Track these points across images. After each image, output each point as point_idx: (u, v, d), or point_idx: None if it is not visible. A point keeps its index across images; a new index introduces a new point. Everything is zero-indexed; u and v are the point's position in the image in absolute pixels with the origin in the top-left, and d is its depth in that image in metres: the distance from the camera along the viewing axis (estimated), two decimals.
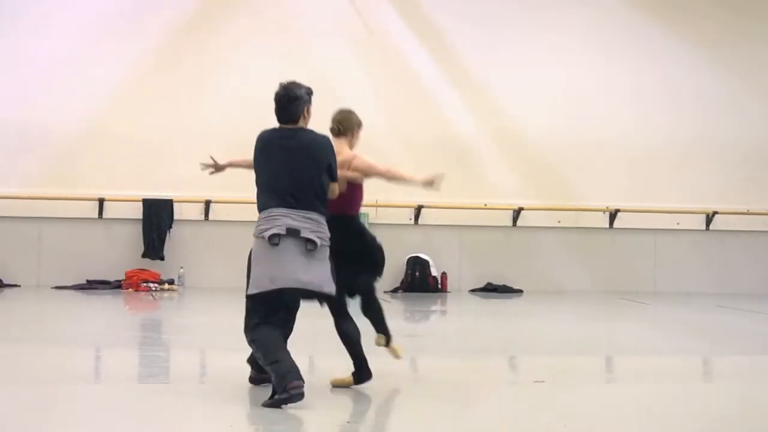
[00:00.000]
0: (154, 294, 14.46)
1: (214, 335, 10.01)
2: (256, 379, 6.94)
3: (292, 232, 6.51)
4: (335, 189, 6.93)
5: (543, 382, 7.48)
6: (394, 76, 16.41)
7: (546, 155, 16.64)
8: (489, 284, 16.26)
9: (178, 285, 15.29)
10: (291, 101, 7.28)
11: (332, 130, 7.62)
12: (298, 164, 6.83)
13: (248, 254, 6.80)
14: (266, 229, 6.51)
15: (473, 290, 16.24)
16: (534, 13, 16.82)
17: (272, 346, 6.45)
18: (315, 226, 6.61)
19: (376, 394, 6.86)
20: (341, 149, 7.39)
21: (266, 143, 6.98)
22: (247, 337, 6.60)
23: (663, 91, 17.05)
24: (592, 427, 6.02)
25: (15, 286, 15.01)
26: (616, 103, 16.90)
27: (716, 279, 16.96)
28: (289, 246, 6.50)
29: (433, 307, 14.32)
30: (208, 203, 15.44)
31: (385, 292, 15.90)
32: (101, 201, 15.41)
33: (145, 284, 14.86)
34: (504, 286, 16.22)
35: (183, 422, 5.91)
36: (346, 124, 7.75)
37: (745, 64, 17.27)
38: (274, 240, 6.47)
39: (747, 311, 13.81)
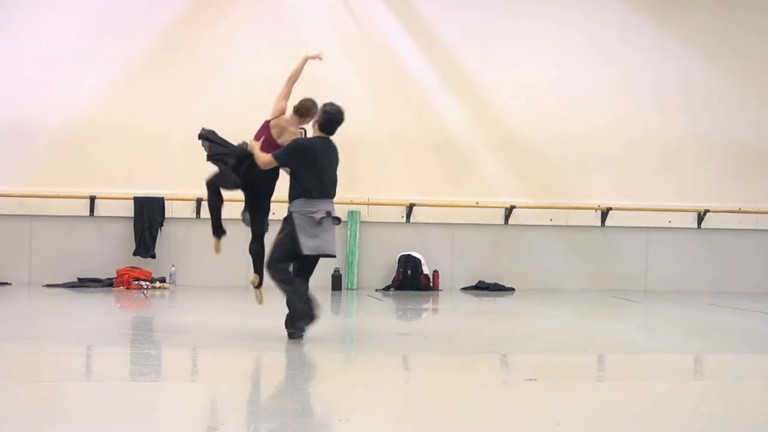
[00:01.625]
0: (145, 292, 14.45)
1: (205, 333, 10.00)
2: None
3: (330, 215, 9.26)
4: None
5: (535, 380, 7.48)
6: (387, 75, 16.41)
7: (538, 153, 16.67)
8: (481, 282, 16.28)
9: (170, 283, 15.28)
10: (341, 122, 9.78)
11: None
12: (334, 165, 9.68)
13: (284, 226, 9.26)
14: (314, 211, 9.17)
15: (465, 288, 16.25)
16: (526, 13, 16.83)
17: (302, 294, 9.10)
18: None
19: (367, 392, 6.86)
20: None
21: (314, 148, 9.61)
22: (278, 277, 9.16)
23: (655, 90, 17.08)
24: (584, 425, 6.02)
25: (6, 284, 14.99)
26: (608, 102, 16.92)
27: (708, 277, 17.00)
28: (328, 224, 9.21)
29: (425, 306, 14.32)
30: (199, 201, 15.42)
31: (376, 290, 15.91)
32: (92, 199, 15.39)
33: (136, 282, 14.85)
34: (496, 284, 16.23)
35: (174, 420, 5.90)
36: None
37: (737, 62, 17.31)
38: (319, 220, 9.13)
39: (739, 309, 13.83)
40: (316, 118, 9.72)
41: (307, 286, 9.24)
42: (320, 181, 9.25)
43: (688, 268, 17.03)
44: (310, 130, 9.94)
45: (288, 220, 9.20)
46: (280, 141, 9.70)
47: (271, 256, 9.26)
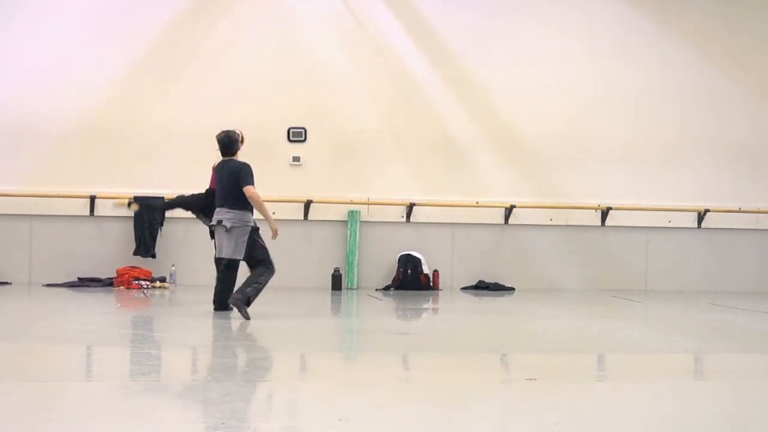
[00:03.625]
0: (145, 292, 14.45)
1: (205, 333, 10.00)
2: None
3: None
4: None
5: (535, 379, 7.47)
6: (387, 75, 16.42)
7: (538, 153, 16.68)
8: (481, 282, 16.28)
9: (170, 283, 15.28)
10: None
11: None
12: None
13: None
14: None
15: (465, 288, 16.26)
16: (526, 13, 16.83)
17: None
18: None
19: (367, 392, 6.86)
20: None
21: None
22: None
23: (655, 89, 17.09)
24: (584, 424, 6.01)
25: (6, 283, 14.99)
26: (609, 101, 16.93)
27: (708, 277, 17.01)
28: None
29: (425, 305, 14.31)
30: None
31: (376, 289, 15.91)
32: (93, 198, 15.40)
33: (136, 282, 14.86)
34: (496, 283, 16.24)
35: (174, 420, 5.90)
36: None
37: (737, 62, 17.32)
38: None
39: (739, 309, 13.83)
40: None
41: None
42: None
43: (688, 268, 17.04)
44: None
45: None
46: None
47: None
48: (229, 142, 11.36)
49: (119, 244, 15.59)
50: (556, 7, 16.95)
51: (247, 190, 11.10)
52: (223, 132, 11.44)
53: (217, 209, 11.25)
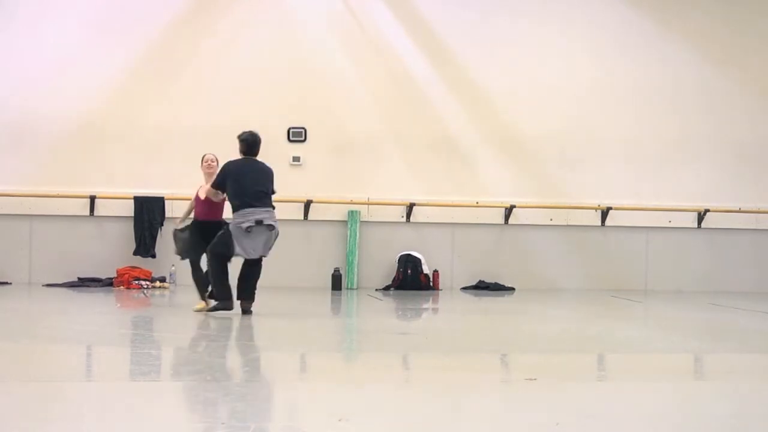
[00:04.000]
0: (145, 292, 14.45)
1: (205, 333, 10.00)
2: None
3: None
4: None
5: (535, 379, 7.47)
6: (387, 75, 16.41)
7: (538, 153, 16.67)
8: (481, 282, 16.28)
9: (170, 282, 15.27)
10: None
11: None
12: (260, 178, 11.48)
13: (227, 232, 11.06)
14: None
15: (465, 288, 16.25)
16: (526, 13, 16.83)
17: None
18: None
19: (367, 392, 6.86)
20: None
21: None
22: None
23: (656, 91, 17.09)
24: (584, 425, 6.01)
25: (6, 283, 14.99)
26: (609, 102, 16.93)
27: (708, 277, 17.00)
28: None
29: (425, 305, 14.32)
30: None
31: (376, 289, 15.91)
32: (93, 198, 15.39)
33: (136, 282, 14.85)
34: (496, 283, 16.24)
35: (175, 420, 5.90)
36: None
37: (738, 63, 17.31)
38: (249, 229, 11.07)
39: (739, 309, 13.83)
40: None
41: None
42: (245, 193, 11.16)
43: (688, 268, 17.03)
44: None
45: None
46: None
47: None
48: (254, 142, 11.33)
49: (119, 244, 15.58)
50: (557, 7, 16.94)
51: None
52: (247, 132, 11.39)
53: (250, 209, 11.03)
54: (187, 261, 11.74)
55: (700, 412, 6.62)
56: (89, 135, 15.58)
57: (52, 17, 15.66)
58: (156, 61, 15.85)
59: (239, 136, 11.36)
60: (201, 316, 11.13)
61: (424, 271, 16.00)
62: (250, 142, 11.32)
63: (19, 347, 8.73)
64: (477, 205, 16.45)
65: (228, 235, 11.02)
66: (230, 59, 16.01)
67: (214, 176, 11.45)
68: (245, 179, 11.10)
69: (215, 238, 11.19)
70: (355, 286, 16.00)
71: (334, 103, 16.13)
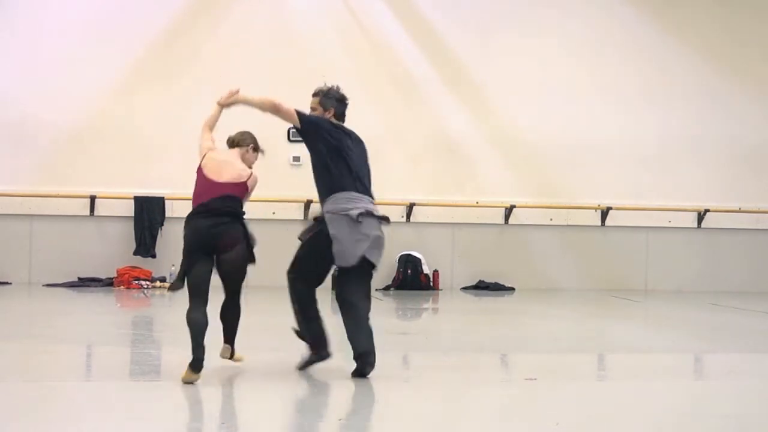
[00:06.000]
0: (145, 292, 14.45)
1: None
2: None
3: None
4: None
5: (535, 379, 7.48)
6: (387, 75, 16.41)
7: (538, 153, 16.66)
8: (481, 282, 16.27)
9: (170, 282, 15.26)
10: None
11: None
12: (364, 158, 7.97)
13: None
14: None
15: (465, 288, 16.24)
16: (527, 12, 16.82)
17: None
18: None
19: (367, 391, 6.86)
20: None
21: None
22: None
23: (655, 90, 17.07)
24: (584, 424, 6.02)
25: (6, 283, 14.98)
26: (609, 101, 16.91)
27: (708, 277, 16.99)
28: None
29: (425, 305, 14.32)
30: None
31: (377, 289, 15.90)
32: (93, 198, 15.39)
33: (136, 282, 14.85)
34: (496, 283, 16.23)
35: (174, 420, 5.90)
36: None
37: (738, 63, 17.29)
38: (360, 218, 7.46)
39: (739, 309, 13.83)
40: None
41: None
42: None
43: (689, 268, 17.02)
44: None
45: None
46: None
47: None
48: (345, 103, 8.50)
49: (119, 244, 15.57)
50: (557, 7, 16.93)
51: None
52: (335, 87, 8.70)
53: (356, 194, 7.61)
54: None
55: (700, 412, 6.62)
56: (89, 135, 15.57)
57: (52, 17, 15.65)
58: (156, 61, 15.83)
59: (334, 92, 8.63)
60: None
61: (424, 271, 16.00)
62: (346, 103, 8.52)
63: (19, 347, 8.73)
64: (477, 205, 16.44)
65: (322, 238, 7.43)
66: (230, 59, 15.98)
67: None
68: (348, 152, 7.89)
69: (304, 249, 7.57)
70: None
71: None
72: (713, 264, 17.07)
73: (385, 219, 7.74)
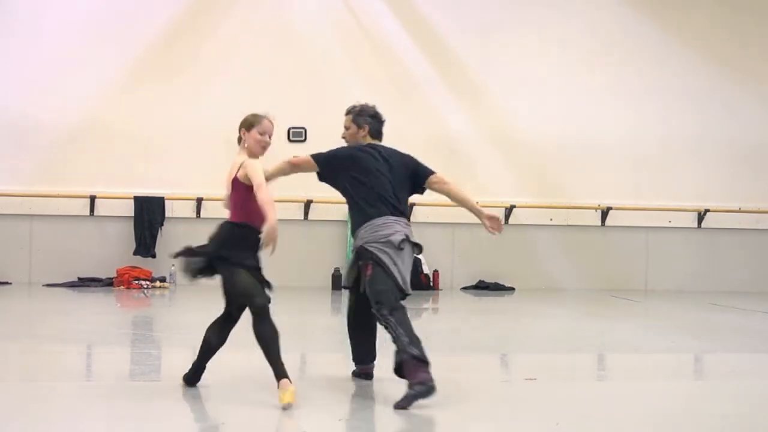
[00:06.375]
0: (145, 292, 14.45)
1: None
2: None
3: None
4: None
5: (535, 379, 7.48)
6: (387, 75, 16.41)
7: (538, 153, 16.67)
8: (481, 282, 16.28)
9: (170, 283, 15.27)
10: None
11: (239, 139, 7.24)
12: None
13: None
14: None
15: (465, 288, 16.25)
16: (527, 12, 16.83)
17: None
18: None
19: (367, 391, 6.86)
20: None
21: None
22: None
23: (656, 91, 17.08)
24: (584, 424, 6.01)
25: (6, 283, 14.99)
26: (609, 102, 16.93)
27: (708, 277, 17.00)
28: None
29: (425, 305, 14.31)
30: (199, 201, 15.42)
31: None
32: (93, 198, 15.39)
33: (136, 282, 14.85)
34: (496, 283, 16.24)
35: (174, 420, 5.90)
36: (240, 132, 7.29)
37: (738, 63, 17.31)
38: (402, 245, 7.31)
39: (739, 309, 13.83)
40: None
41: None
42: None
43: (689, 268, 17.03)
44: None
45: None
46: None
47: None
48: (381, 120, 7.96)
49: (119, 244, 15.58)
50: (557, 7, 16.93)
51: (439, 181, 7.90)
52: (371, 104, 8.08)
53: (392, 218, 7.51)
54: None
55: (700, 412, 6.62)
56: (89, 135, 15.57)
57: (52, 17, 15.66)
58: (156, 61, 15.84)
59: (367, 109, 8.01)
60: (200, 314, 11.09)
61: (424, 271, 16.00)
62: (381, 120, 8.13)
63: (19, 347, 8.73)
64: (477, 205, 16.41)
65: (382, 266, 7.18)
66: (230, 60, 16.00)
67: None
68: (380, 175, 7.55)
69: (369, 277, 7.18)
70: None
71: (334, 102, 16.08)
72: (713, 264, 17.08)
73: (418, 247, 7.66)
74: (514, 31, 16.78)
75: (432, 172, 7.89)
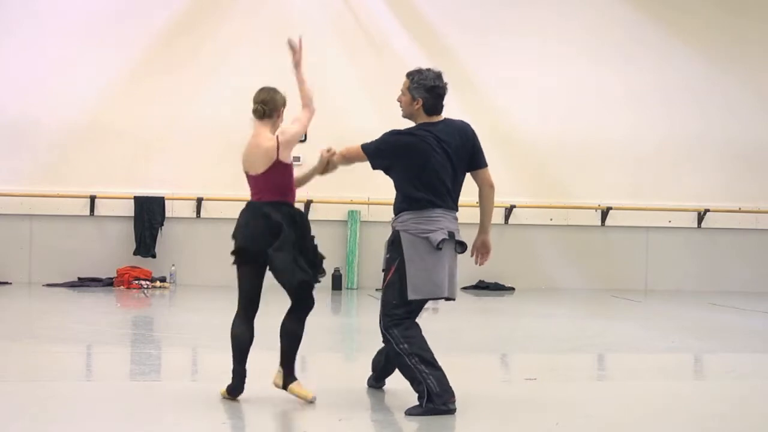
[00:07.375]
0: (145, 292, 14.44)
1: (205, 333, 10.00)
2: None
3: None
4: None
5: (535, 379, 7.48)
6: (387, 74, 16.38)
7: (538, 153, 16.66)
8: (481, 282, 16.27)
9: (170, 282, 15.27)
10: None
11: (256, 111, 7.10)
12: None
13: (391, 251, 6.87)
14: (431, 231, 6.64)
15: (465, 288, 16.24)
16: (527, 12, 16.82)
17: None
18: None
19: (367, 392, 6.86)
20: (264, 133, 7.04)
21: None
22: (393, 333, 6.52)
23: (656, 90, 17.06)
24: (584, 424, 6.02)
25: (6, 283, 14.98)
26: (609, 102, 16.91)
27: (708, 277, 16.99)
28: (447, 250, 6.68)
29: (424, 305, 14.29)
30: (199, 201, 15.42)
31: (377, 289, 15.88)
32: (93, 198, 15.39)
33: (136, 282, 14.84)
34: (496, 283, 16.23)
35: (174, 420, 5.90)
36: (271, 105, 7.23)
37: (738, 63, 17.29)
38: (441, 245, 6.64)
39: (739, 309, 13.83)
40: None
41: None
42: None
43: (689, 268, 17.01)
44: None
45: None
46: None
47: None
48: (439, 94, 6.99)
49: (119, 244, 15.57)
50: (556, 8, 16.92)
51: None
52: (434, 72, 7.10)
53: (440, 211, 7.01)
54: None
55: (700, 412, 6.62)
56: (89, 135, 15.56)
57: (52, 18, 15.64)
58: (156, 61, 15.82)
59: (418, 77, 7.15)
60: (200, 314, 11.10)
61: None
62: (438, 92, 7.06)
63: (19, 347, 8.73)
64: (476, 205, 16.38)
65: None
66: (230, 59, 15.98)
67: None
68: (435, 155, 6.94)
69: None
70: (355, 286, 15.99)
71: (334, 102, 16.10)
72: (713, 264, 17.07)
73: (461, 245, 6.93)
74: (514, 31, 16.77)
75: (485, 165, 7.40)
